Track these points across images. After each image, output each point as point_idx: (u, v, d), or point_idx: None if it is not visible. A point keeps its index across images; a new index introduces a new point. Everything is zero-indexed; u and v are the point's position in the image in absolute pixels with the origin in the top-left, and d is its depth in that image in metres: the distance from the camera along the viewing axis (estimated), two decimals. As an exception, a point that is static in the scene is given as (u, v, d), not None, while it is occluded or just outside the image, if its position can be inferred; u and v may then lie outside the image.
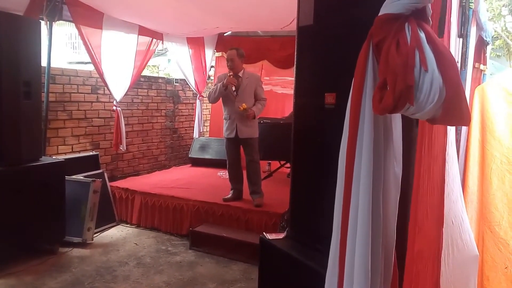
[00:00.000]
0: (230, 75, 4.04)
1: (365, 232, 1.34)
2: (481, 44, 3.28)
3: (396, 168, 1.41)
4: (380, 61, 1.23)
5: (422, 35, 1.16)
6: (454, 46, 1.78)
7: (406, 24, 1.19)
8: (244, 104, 3.94)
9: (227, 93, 4.05)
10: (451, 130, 1.62)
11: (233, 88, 4.04)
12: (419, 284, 1.44)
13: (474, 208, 2.39)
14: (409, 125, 1.54)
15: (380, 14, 1.25)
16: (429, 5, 1.22)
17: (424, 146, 1.40)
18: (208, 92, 4.34)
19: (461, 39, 1.89)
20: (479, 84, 2.77)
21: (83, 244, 3.75)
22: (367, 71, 1.31)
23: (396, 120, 1.42)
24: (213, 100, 4.17)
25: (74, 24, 4.22)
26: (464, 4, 1.90)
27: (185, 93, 6.65)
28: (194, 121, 6.46)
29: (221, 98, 4.14)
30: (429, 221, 1.50)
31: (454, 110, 1.14)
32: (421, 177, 1.41)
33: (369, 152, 1.34)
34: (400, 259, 1.49)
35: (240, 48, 4.20)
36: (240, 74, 4.08)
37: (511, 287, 2.20)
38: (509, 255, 2.23)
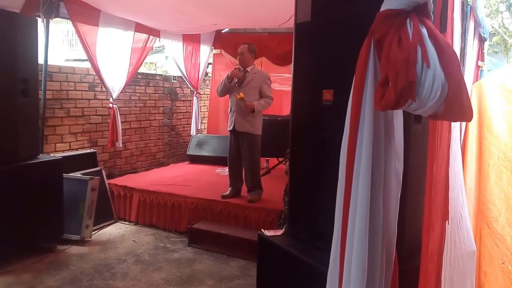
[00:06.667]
0: (236, 68, 4.10)
1: (363, 230, 1.34)
2: (479, 40, 3.28)
3: (398, 165, 1.41)
4: (381, 57, 1.23)
5: (424, 30, 1.16)
6: (458, 43, 1.77)
7: (408, 20, 1.18)
8: (241, 94, 3.96)
9: (232, 86, 4.09)
10: (455, 126, 1.61)
11: (235, 80, 4.06)
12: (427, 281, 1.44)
13: (472, 204, 2.39)
14: (409, 122, 1.54)
15: (381, 9, 1.25)
16: (431, 1, 1.22)
17: (435, 145, 1.37)
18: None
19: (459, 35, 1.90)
20: (476, 81, 2.77)
21: (81, 242, 3.74)
22: (368, 67, 1.31)
23: (398, 117, 1.42)
24: (219, 92, 4.23)
25: (70, 21, 4.19)
26: (462, 0, 1.90)
27: (182, 90, 6.62)
28: (191, 118, 6.46)
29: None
30: (437, 219, 1.49)
31: (456, 105, 1.14)
32: (434, 176, 1.39)
33: (369, 149, 1.33)
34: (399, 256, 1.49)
35: (252, 44, 4.24)
36: (249, 69, 4.13)
37: (508, 282, 2.22)
38: (506, 250, 2.24)
